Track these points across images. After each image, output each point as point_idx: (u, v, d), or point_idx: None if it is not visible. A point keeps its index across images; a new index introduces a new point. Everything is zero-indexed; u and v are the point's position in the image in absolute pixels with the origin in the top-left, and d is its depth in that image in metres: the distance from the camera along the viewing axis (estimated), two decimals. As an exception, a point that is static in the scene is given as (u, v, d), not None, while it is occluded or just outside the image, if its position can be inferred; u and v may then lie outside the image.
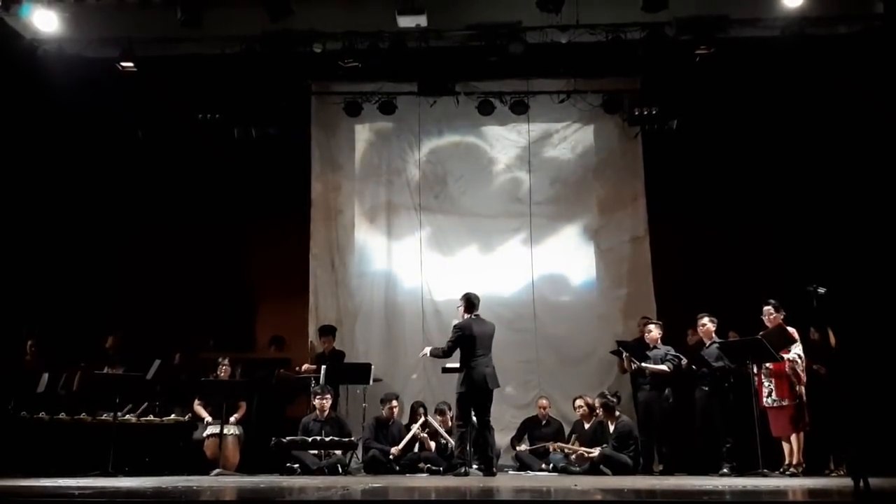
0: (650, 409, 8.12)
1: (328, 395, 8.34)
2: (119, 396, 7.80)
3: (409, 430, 8.50)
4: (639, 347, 8.29)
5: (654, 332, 8.34)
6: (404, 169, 10.47)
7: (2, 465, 7.39)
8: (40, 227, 9.73)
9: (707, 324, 8.01)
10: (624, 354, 8.35)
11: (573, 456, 8.31)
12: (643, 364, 8.11)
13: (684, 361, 8.10)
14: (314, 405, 8.35)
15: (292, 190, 10.26)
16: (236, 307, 10.31)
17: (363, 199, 10.48)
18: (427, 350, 7.86)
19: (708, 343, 7.97)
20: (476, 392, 7.32)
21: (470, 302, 7.57)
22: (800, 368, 7.43)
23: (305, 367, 9.10)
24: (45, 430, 7.96)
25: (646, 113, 9.67)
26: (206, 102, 9.77)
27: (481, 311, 7.64)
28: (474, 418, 7.45)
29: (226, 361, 8.61)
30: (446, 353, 7.57)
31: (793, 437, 7.43)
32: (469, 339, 7.38)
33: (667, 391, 8.08)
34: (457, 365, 7.55)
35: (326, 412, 8.28)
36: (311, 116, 10.47)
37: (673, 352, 8.18)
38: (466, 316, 7.52)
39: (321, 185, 10.41)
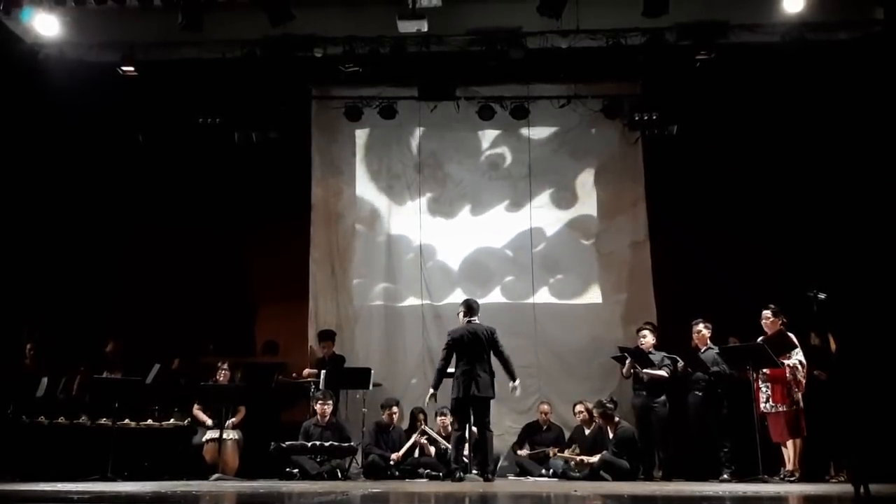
0: (647, 415, 8.10)
1: (330, 401, 8.34)
2: (118, 401, 7.80)
3: (409, 436, 8.49)
4: (642, 353, 8.28)
5: (649, 337, 8.33)
6: (405, 173, 10.46)
7: (1, 469, 7.39)
8: (40, 231, 9.70)
9: (702, 330, 8.03)
10: (627, 360, 8.33)
11: (573, 462, 8.30)
12: (644, 370, 8.09)
13: (681, 364, 8.09)
14: (315, 410, 8.34)
15: (293, 194, 10.25)
16: (236, 312, 10.29)
17: (364, 203, 10.48)
18: (431, 392, 7.61)
19: (703, 349, 7.97)
20: (464, 399, 7.32)
21: (469, 308, 7.64)
22: (800, 375, 7.40)
23: (307, 371, 9.10)
24: (44, 435, 7.95)
25: (646, 118, 9.66)
26: (206, 106, 9.77)
27: (483, 315, 7.66)
28: (474, 425, 7.43)
29: (225, 366, 8.62)
30: (443, 369, 7.53)
31: (790, 443, 7.39)
32: (457, 347, 7.42)
33: (662, 397, 8.06)
34: None
35: (327, 417, 8.27)
36: (312, 121, 10.48)
37: (668, 356, 8.18)
38: (464, 321, 7.56)
39: (322, 189, 10.42)
